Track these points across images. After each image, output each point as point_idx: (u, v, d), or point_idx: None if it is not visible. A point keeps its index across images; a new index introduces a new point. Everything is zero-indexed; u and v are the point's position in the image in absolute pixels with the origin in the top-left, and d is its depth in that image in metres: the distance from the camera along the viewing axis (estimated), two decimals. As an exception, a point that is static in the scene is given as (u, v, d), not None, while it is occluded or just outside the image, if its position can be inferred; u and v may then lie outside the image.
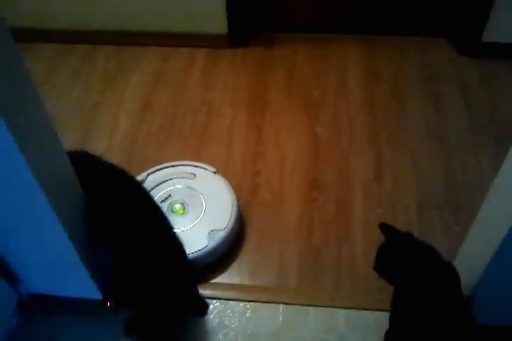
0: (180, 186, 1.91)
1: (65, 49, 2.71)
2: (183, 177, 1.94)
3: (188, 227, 1.81)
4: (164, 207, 1.84)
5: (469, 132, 2.24)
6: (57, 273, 1.60)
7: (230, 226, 1.82)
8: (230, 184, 1.94)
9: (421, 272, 1.39)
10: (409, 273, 1.40)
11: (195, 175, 1.95)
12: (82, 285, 1.63)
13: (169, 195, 1.88)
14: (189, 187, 1.91)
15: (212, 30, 2.62)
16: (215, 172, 1.97)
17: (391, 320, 1.44)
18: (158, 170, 1.98)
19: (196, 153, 2.20)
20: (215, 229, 1.79)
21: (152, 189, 1.89)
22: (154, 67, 2.61)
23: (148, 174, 1.96)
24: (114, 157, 2.19)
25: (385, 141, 2.23)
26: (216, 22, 2.58)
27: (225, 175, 1.97)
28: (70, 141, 2.22)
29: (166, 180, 1.93)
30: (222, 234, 1.79)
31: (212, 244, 1.77)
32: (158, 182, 1.92)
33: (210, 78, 2.54)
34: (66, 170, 1.41)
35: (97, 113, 2.39)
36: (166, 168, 1.99)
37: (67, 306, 1.71)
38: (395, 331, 1.43)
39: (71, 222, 1.42)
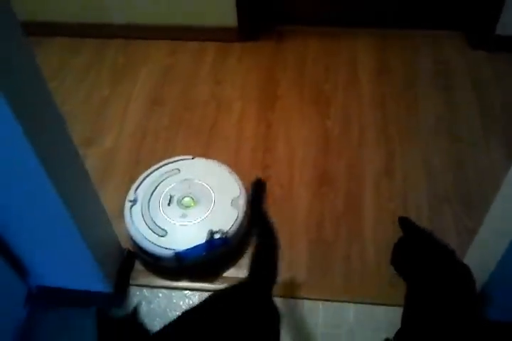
0: (174, 183, 1.90)
1: (75, 43, 2.70)
2: (171, 176, 1.93)
3: (211, 209, 1.82)
4: (175, 208, 1.83)
5: (481, 127, 2.22)
6: (66, 266, 1.60)
7: (242, 190, 1.86)
8: (213, 160, 1.98)
9: (435, 271, 1.38)
10: (424, 271, 1.38)
11: (179, 170, 1.94)
12: (92, 278, 1.64)
13: (171, 196, 1.86)
14: (184, 180, 1.91)
15: (221, 23, 2.61)
16: (193, 158, 1.98)
17: (403, 318, 1.43)
18: (142, 180, 1.93)
19: (205, 148, 2.19)
20: (234, 198, 1.84)
21: (150, 198, 1.87)
22: (163, 61, 2.60)
23: (136, 189, 1.90)
24: (123, 152, 2.20)
25: (395, 135, 2.21)
26: (226, 15, 2.57)
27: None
28: (79, 135, 2.22)
29: (157, 186, 1.91)
30: (241, 200, 1.83)
31: (241, 208, 1.82)
32: (151, 190, 1.89)
33: (220, 72, 2.53)
34: (76, 163, 1.42)
35: (106, 107, 2.39)
36: (150, 174, 1.95)
37: (77, 298, 1.72)
38: (406, 330, 1.42)
39: (81, 215, 1.42)
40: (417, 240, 1.42)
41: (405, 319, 1.42)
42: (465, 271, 1.39)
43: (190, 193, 1.87)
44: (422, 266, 1.39)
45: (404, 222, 1.44)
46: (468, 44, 2.56)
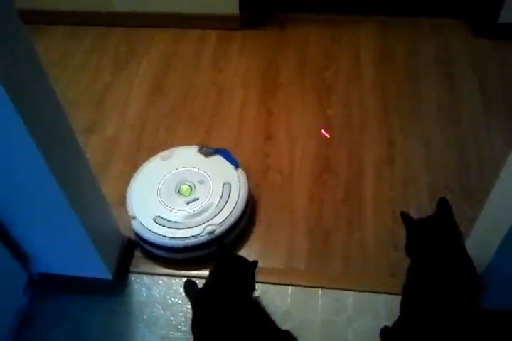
0: (200, 171, 1.90)
1: (78, 31, 2.70)
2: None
3: (186, 212, 1.80)
4: (172, 185, 1.85)
5: (483, 114, 2.21)
6: (68, 253, 1.61)
7: (226, 224, 1.78)
8: (248, 181, 1.90)
9: (444, 260, 1.38)
10: (433, 254, 1.39)
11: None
12: (93, 265, 1.65)
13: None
14: (205, 174, 1.88)
15: (224, 11, 2.59)
16: (236, 167, 1.92)
17: (402, 303, 1.43)
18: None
19: (207, 135, 2.19)
20: (211, 224, 1.76)
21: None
22: (165, 49, 2.59)
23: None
24: (125, 139, 2.20)
25: (397, 123, 2.20)
26: (228, 3, 2.55)
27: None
28: (81, 123, 2.22)
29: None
30: (215, 229, 1.76)
31: (204, 236, 1.75)
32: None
33: (222, 60, 2.52)
34: (75, 151, 1.42)
35: (108, 95, 2.39)
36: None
37: (77, 285, 1.73)
38: (404, 318, 1.42)
39: (80, 202, 1.43)
40: (443, 222, 1.43)
41: (404, 303, 1.43)
42: (470, 268, 1.40)
43: (195, 188, 1.85)
44: (432, 248, 1.40)
45: (443, 203, 1.44)
46: (472, 32, 2.54)
